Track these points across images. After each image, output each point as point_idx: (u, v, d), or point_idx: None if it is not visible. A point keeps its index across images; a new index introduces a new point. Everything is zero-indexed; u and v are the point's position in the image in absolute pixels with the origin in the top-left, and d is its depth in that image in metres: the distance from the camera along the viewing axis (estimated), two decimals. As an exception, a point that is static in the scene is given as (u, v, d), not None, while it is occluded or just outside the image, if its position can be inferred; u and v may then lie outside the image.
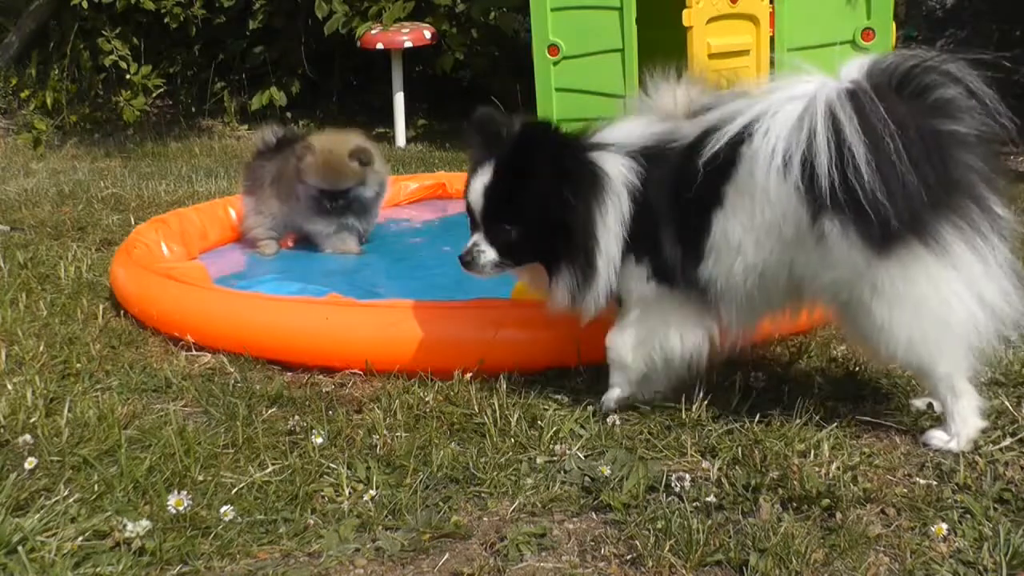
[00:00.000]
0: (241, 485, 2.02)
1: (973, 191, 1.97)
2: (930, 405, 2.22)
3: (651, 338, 2.26)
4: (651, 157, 2.20)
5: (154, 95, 7.70)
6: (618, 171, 2.19)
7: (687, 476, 1.96)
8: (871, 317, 2.03)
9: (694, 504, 1.89)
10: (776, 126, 1.99)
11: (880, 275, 1.99)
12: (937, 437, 2.09)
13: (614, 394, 2.33)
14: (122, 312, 3.16)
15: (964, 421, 2.07)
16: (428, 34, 6.65)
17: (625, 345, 2.29)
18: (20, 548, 1.78)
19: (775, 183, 2.02)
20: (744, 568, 1.69)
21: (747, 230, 2.10)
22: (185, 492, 1.94)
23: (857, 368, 2.48)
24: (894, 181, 1.90)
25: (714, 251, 2.14)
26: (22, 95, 7.63)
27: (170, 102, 8.16)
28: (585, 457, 2.10)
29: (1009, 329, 2.02)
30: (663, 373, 2.30)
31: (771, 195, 2.04)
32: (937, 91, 1.97)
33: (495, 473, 2.04)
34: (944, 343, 2.01)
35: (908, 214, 1.92)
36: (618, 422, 2.24)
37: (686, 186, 2.12)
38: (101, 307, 3.19)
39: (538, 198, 2.19)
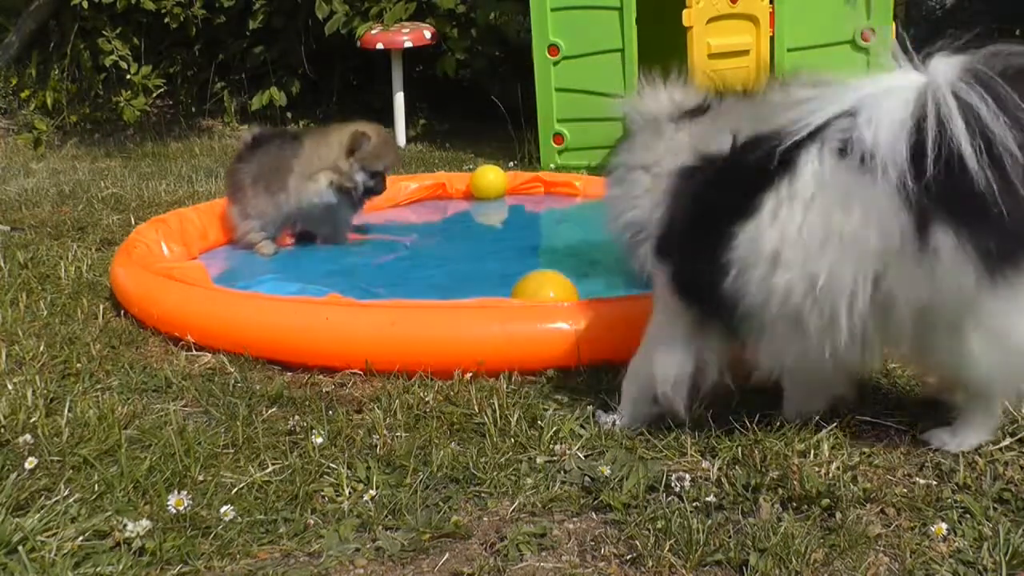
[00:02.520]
0: (241, 485, 2.02)
1: None
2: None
3: (643, 362, 2.16)
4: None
5: (154, 95, 7.70)
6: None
7: (687, 476, 1.96)
8: (962, 344, 1.85)
9: (694, 504, 1.89)
10: (881, 120, 1.76)
11: (985, 300, 1.77)
12: (938, 436, 2.08)
13: (611, 419, 2.21)
14: (122, 312, 3.16)
15: (975, 434, 2.04)
16: (428, 34, 6.65)
17: (631, 368, 2.21)
18: (20, 548, 1.78)
19: (863, 183, 1.79)
20: (744, 568, 1.69)
21: (788, 240, 1.86)
22: (185, 492, 1.94)
23: (857, 368, 2.48)
24: None
25: (738, 264, 1.92)
26: (22, 95, 7.63)
27: (170, 102, 8.16)
28: (585, 457, 2.10)
29: None
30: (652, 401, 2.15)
31: (853, 197, 1.81)
32: None
33: (495, 473, 2.04)
34: (1017, 376, 1.90)
35: None
36: (618, 422, 2.23)
37: (719, 186, 2.00)
38: (101, 307, 3.19)
39: None
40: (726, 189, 2.00)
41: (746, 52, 5.05)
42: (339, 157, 3.92)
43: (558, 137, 5.55)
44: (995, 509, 1.84)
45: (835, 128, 1.86)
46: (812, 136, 1.87)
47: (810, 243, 1.85)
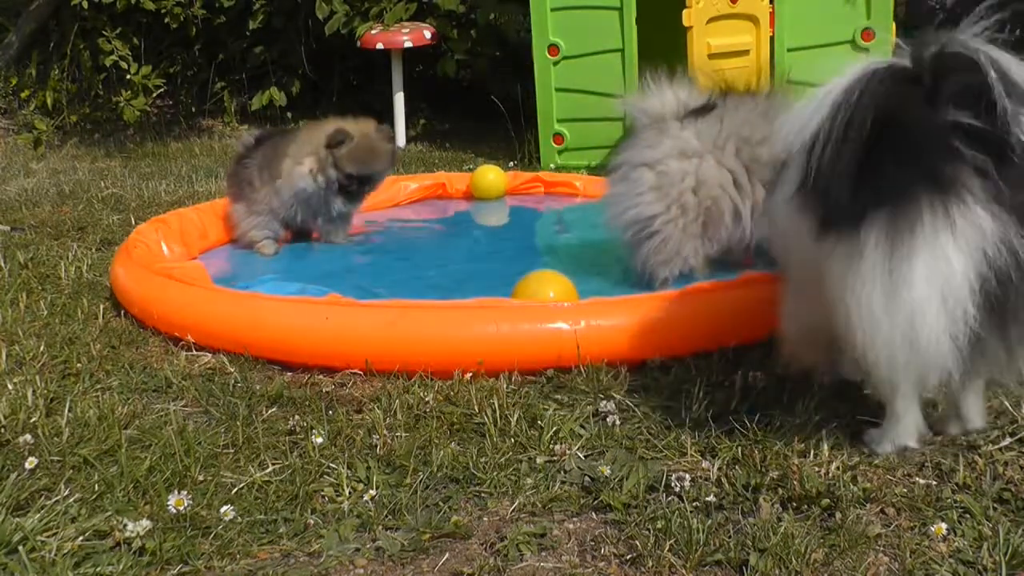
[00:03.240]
0: (241, 485, 2.02)
1: (944, 190, 1.78)
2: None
3: None
4: None
5: (154, 95, 7.70)
6: None
7: (687, 476, 1.96)
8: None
9: (694, 504, 1.89)
10: (811, 102, 1.98)
11: (824, 261, 1.93)
12: (868, 434, 2.08)
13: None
14: (122, 312, 3.16)
15: (889, 433, 2.04)
16: (428, 34, 6.65)
17: None
18: (20, 548, 1.78)
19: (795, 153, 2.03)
20: (744, 568, 1.69)
21: (771, 204, 2.31)
22: (185, 492, 1.94)
23: (857, 368, 2.48)
24: (837, 160, 1.85)
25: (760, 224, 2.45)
26: (22, 95, 7.63)
27: (170, 102, 8.16)
28: (585, 457, 2.11)
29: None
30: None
31: (790, 165, 2.08)
32: (957, 76, 1.85)
33: (495, 473, 2.05)
34: (869, 350, 1.89)
35: (846, 198, 1.85)
36: (618, 422, 2.24)
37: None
38: (101, 307, 3.19)
39: None
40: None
41: (746, 52, 5.05)
42: (320, 145, 3.91)
43: (558, 137, 5.55)
44: (995, 509, 1.84)
45: None
46: None
47: (776, 205, 2.21)
